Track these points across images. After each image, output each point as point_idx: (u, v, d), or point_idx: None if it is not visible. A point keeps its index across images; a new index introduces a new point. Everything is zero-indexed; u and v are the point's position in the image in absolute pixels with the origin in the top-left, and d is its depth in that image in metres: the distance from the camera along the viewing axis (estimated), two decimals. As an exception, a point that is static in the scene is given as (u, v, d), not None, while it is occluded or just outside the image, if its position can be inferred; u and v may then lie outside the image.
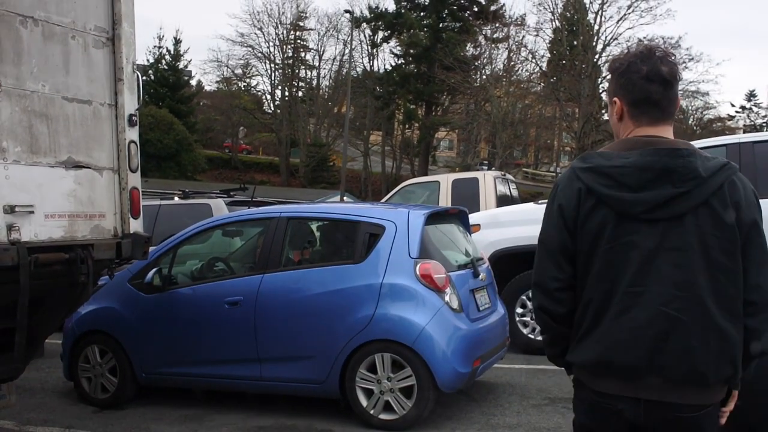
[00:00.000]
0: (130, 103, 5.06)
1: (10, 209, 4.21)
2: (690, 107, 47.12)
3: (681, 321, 2.19)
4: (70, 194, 4.65)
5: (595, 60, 35.36)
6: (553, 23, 38.59)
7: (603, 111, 37.55)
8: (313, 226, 6.65)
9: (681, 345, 2.19)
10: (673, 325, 2.20)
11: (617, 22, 35.16)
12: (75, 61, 4.72)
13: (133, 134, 5.08)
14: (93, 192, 4.82)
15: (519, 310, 8.35)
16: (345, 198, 24.37)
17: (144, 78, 5.25)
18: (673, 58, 2.42)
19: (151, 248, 5.75)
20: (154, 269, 6.37)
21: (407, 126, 49.51)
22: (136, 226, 5.11)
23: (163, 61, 48.82)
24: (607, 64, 34.42)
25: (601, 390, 2.30)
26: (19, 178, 4.29)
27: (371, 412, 5.64)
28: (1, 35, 4.22)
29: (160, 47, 48.84)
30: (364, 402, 5.66)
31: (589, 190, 2.27)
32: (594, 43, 35.87)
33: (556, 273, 2.36)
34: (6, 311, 4.31)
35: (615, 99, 2.40)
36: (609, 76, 2.48)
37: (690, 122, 49.25)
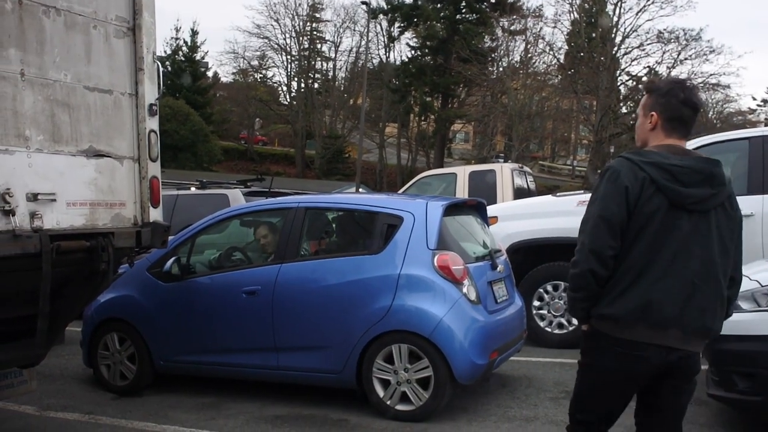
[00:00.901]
0: (150, 93, 5.08)
1: (33, 197, 4.24)
2: (710, 100, 46.64)
3: (702, 289, 2.93)
4: (92, 183, 4.68)
5: (613, 52, 35.03)
6: (571, 15, 38.31)
7: (621, 104, 37.31)
8: (331, 217, 6.67)
9: (699, 306, 2.93)
10: (696, 291, 2.92)
11: (636, 14, 34.78)
12: (96, 51, 4.73)
13: (153, 124, 5.10)
14: (114, 181, 4.85)
15: (536, 303, 8.33)
16: (360, 190, 24.37)
17: (162, 70, 5.27)
18: (697, 96, 3.13)
19: (170, 237, 5.78)
20: (173, 258, 6.42)
21: (423, 118, 49.39)
22: (155, 215, 5.13)
23: (180, 53, 48.95)
24: (644, 80, 34.26)
25: (633, 338, 2.93)
26: (42, 166, 4.32)
27: (388, 402, 5.66)
28: (24, 25, 4.24)
29: (177, 39, 49.03)
30: (380, 392, 5.68)
31: (652, 180, 2.91)
32: (613, 35, 35.52)
33: (613, 243, 2.93)
34: (28, 298, 4.35)
35: (653, 113, 3.09)
36: (646, 94, 3.17)
37: (710, 115, 48.75)
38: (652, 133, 3.10)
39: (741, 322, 4.99)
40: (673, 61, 34.14)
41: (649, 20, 46.36)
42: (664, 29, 35.00)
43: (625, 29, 35.37)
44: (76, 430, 5.62)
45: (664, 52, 34.37)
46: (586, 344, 3.15)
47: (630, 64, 36.46)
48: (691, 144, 7.99)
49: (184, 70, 47.29)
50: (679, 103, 3.04)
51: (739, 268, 3.13)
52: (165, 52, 47.97)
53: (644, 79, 36.86)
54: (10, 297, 4.42)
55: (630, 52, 35.56)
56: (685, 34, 33.84)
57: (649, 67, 36.58)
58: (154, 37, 5.14)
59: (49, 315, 4.45)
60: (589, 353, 3.13)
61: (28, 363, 4.89)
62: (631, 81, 37.84)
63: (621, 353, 2.97)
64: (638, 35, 34.91)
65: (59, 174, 4.44)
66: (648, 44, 34.66)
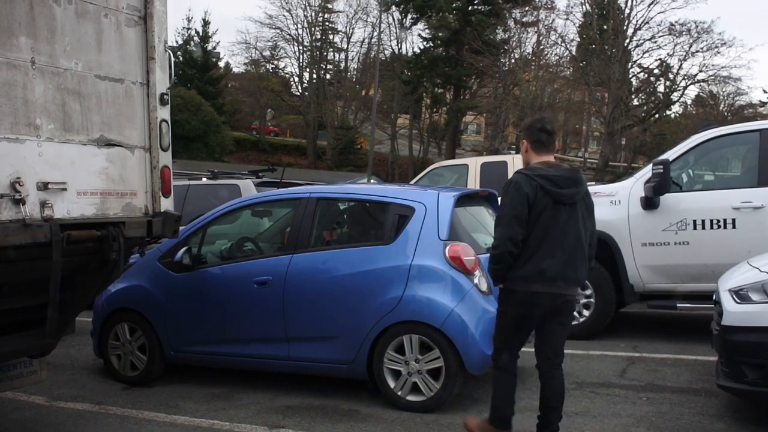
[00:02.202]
0: (161, 82, 5.06)
1: (44, 186, 4.23)
2: (721, 93, 46.29)
3: (575, 255, 4.45)
4: (102, 172, 4.67)
5: (625, 44, 34.80)
6: (584, 7, 38.06)
7: (632, 96, 37.09)
8: (343, 207, 6.64)
9: (573, 266, 4.43)
10: (571, 256, 4.42)
11: (648, 6, 34.51)
12: (107, 40, 4.72)
13: (164, 113, 5.08)
14: (124, 170, 4.83)
15: (547, 295, 8.31)
16: (372, 180, 24.33)
17: (174, 60, 5.25)
18: (550, 123, 4.70)
19: (181, 228, 5.77)
20: (184, 248, 6.41)
21: (435, 110, 49.27)
22: (166, 204, 5.12)
23: (192, 43, 48.95)
24: (655, 72, 33.90)
25: (534, 290, 4.40)
26: (52, 155, 4.31)
27: (399, 393, 5.64)
28: (35, 13, 4.23)
29: (189, 29, 49.03)
30: (391, 383, 5.67)
31: (541, 186, 4.36)
32: (625, 27, 35.28)
33: (521, 231, 4.35)
34: (38, 287, 4.35)
35: (524, 141, 4.65)
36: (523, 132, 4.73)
37: (721, 108, 48.39)
38: (528, 155, 4.64)
39: (751, 313, 4.97)
40: (684, 53, 33.93)
41: (660, 12, 46.09)
42: (676, 21, 34.75)
43: (637, 21, 35.16)
44: (86, 421, 5.63)
45: (675, 45, 34.20)
46: (502, 297, 4.60)
47: (642, 57, 36.29)
48: (701, 136, 7.96)
49: (195, 60, 47.25)
50: (537, 131, 4.57)
51: (593, 236, 4.64)
52: (177, 42, 48.03)
53: (655, 71, 36.77)
54: (21, 286, 4.43)
55: (642, 44, 35.41)
56: (697, 26, 33.65)
57: (660, 59, 36.41)
58: (166, 26, 5.12)
59: (59, 304, 4.45)
60: (505, 303, 4.59)
61: (38, 353, 4.90)
62: (642, 73, 37.64)
63: (525, 301, 4.44)
64: (650, 27, 34.76)
65: (70, 163, 4.43)
66: (660, 36, 34.48)
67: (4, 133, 4.02)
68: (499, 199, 4.59)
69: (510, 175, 13.25)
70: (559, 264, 4.37)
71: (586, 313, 8.17)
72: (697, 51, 33.64)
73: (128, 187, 4.87)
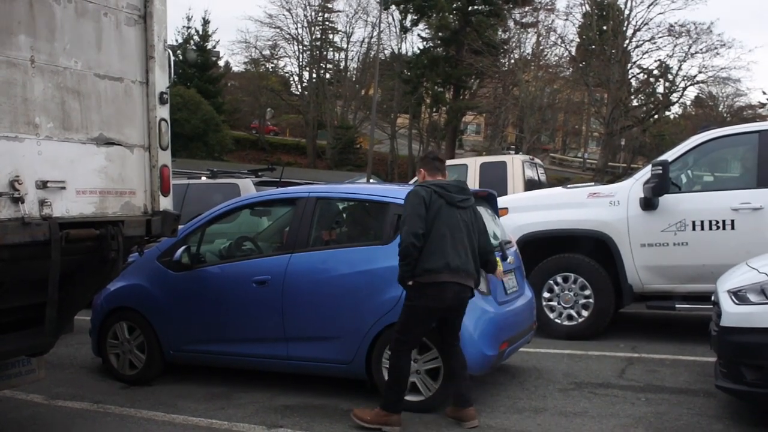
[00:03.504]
0: (161, 81, 5.05)
1: (43, 185, 4.22)
2: (720, 94, 46.24)
3: (467, 250, 5.18)
4: (101, 171, 4.66)
5: (625, 45, 34.78)
6: (583, 7, 38.01)
7: (632, 97, 37.06)
8: (342, 207, 6.64)
9: (468, 260, 5.16)
10: (466, 251, 5.17)
11: (648, 7, 34.46)
12: (107, 38, 4.71)
13: (163, 112, 5.08)
14: (124, 169, 4.83)
15: (546, 295, 8.31)
16: (371, 180, 24.32)
17: (174, 59, 5.24)
18: (441, 154, 6.09)
19: (180, 227, 5.77)
20: (183, 247, 6.42)
21: (435, 109, 49.27)
22: (165, 203, 5.11)
23: (192, 42, 48.91)
24: (654, 72, 33.67)
25: (442, 280, 5.03)
26: (52, 153, 4.30)
27: (397, 393, 5.63)
28: (35, 11, 4.22)
29: (188, 28, 48.97)
30: (390, 383, 5.66)
31: (435, 191, 5.16)
32: (624, 28, 35.27)
33: (422, 225, 5.04)
34: (37, 286, 4.34)
35: (421, 170, 5.52)
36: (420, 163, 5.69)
37: (720, 109, 48.37)
38: (425, 179, 5.42)
39: (750, 314, 4.97)
40: (683, 54, 33.90)
41: (660, 13, 46.11)
42: (675, 22, 34.62)
43: (636, 22, 35.12)
44: (84, 419, 5.63)
45: (675, 46, 34.13)
46: (412, 293, 5.12)
47: (641, 58, 36.20)
48: (700, 137, 7.97)
49: (195, 59, 47.19)
50: (431, 160, 5.52)
51: (485, 244, 5.40)
52: (176, 41, 47.96)
53: (655, 72, 36.74)
54: (19, 285, 4.42)
55: (641, 45, 35.32)
56: (696, 27, 33.57)
57: (660, 60, 36.37)
58: (165, 25, 5.12)
59: (57, 303, 4.44)
60: (414, 298, 5.11)
61: (37, 351, 4.89)
62: (642, 74, 37.61)
63: (434, 293, 5.04)
64: (649, 28, 34.65)
65: (69, 162, 4.42)
66: (659, 37, 34.41)
67: (3, 132, 4.01)
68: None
69: (509, 175, 13.37)
70: (460, 257, 5.09)
71: (584, 313, 8.17)
72: (697, 52, 33.60)
73: (127, 186, 4.87)
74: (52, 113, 4.32)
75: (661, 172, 7.58)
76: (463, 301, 5.21)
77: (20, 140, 4.12)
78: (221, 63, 54.77)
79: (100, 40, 4.66)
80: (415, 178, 14.78)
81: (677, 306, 7.75)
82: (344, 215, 6.62)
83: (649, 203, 7.77)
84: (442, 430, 5.25)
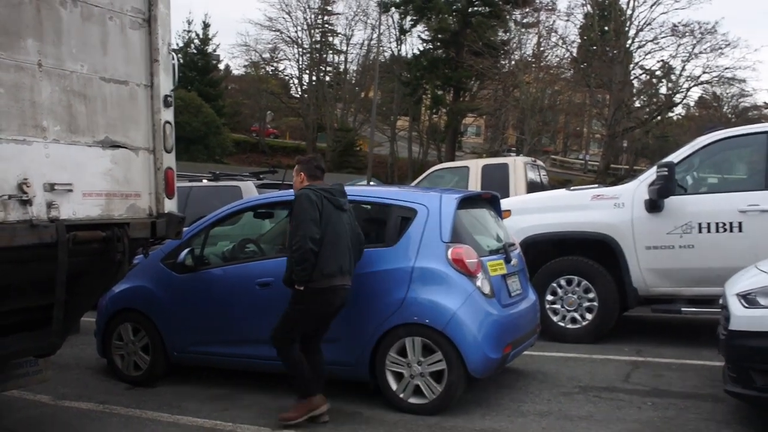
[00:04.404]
0: (165, 84, 5.08)
1: (50, 187, 4.25)
2: (725, 95, 46.06)
3: (350, 251, 5.39)
4: (107, 173, 4.68)
5: (627, 45, 34.71)
6: (585, 8, 37.97)
7: (634, 98, 37.00)
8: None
9: (352, 262, 5.42)
10: (349, 253, 5.37)
11: (651, 7, 34.35)
12: (112, 42, 4.73)
13: (168, 115, 5.10)
14: (129, 171, 4.85)
15: (549, 298, 8.29)
16: (371, 183, 24.34)
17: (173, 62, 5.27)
18: (323, 161, 6.01)
19: (184, 229, 5.78)
20: (187, 249, 6.44)
21: (434, 111, 49.26)
22: (170, 206, 5.14)
23: (192, 45, 48.95)
24: (657, 74, 33.48)
25: (334, 284, 5.25)
26: (59, 156, 4.32)
27: (401, 395, 5.65)
28: (42, 16, 4.24)
29: (189, 31, 49.01)
30: (393, 385, 5.68)
31: (323, 196, 5.30)
32: (626, 28, 35.21)
33: (317, 230, 5.17)
34: (44, 287, 4.37)
35: (301, 173, 5.61)
36: (297, 165, 5.75)
37: (725, 110, 48.24)
38: (303, 183, 5.55)
39: (760, 318, 4.95)
40: (687, 54, 33.78)
41: (663, 13, 45.78)
42: (679, 22, 34.44)
43: (639, 22, 35.04)
44: (90, 420, 5.65)
45: (678, 46, 33.98)
46: (302, 296, 5.22)
47: (644, 58, 36.05)
48: (706, 138, 7.96)
49: (196, 63, 47.22)
50: (314, 168, 5.64)
51: (358, 239, 5.60)
52: (177, 44, 47.91)
53: (658, 73, 36.67)
54: (27, 286, 4.45)
55: (644, 45, 35.20)
56: (700, 27, 33.42)
57: (662, 60, 36.27)
58: (169, 28, 5.15)
59: (64, 305, 4.47)
60: (305, 302, 5.25)
61: (44, 352, 4.91)
62: (644, 75, 37.54)
63: (328, 297, 5.27)
64: (652, 28, 34.48)
65: (76, 164, 4.45)
66: (662, 37, 34.27)
67: (11, 135, 4.04)
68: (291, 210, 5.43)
69: (511, 177, 13.36)
70: (348, 259, 5.36)
71: (588, 316, 8.15)
72: (701, 52, 33.37)
73: (133, 189, 4.89)
74: (59, 116, 4.35)
75: (666, 173, 7.55)
76: (346, 301, 5.43)
77: (28, 143, 4.14)
78: (221, 66, 54.87)
79: (105, 44, 4.68)
80: (420, 179, 14.86)
81: (683, 309, 7.72)
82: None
83: (654, 205, 7.74)
84: (447, 432, 5.26)
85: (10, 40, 4.05)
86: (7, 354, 4.62)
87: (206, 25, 49.15)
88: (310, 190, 5.30)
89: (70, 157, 4.40)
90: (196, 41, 49.07)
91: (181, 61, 45.06)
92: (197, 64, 47.61)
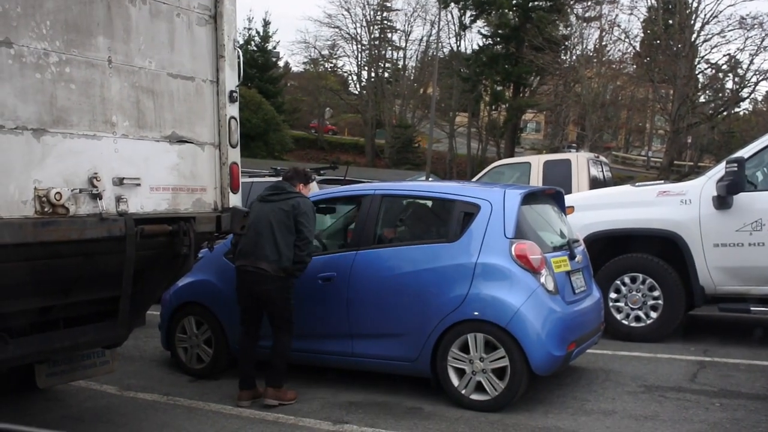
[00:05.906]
0: (230, 80, 5.13)
1: (119, 181, 4.33)
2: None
3: (264, 239, 5.74)
4: (174, 168, 4.75)
5: (692, 39, 33.83)
6: (648, 1, 37.10)
7: (699, 93, 36.05)
8: (407, 204, 6.63)
9: (263, 247, 5.72)
10: (265, 241, 5.73)
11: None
12: (179, 39, 4.80)
13: (233, 110, 5.15)
14: (195, 166, 4.91)
15: (613, 295, 8.15)
16: (430, 179, 24.28)
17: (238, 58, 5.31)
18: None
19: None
20: (250, 244, 6.48)
21: (494, 107, 48.85)
22: (234, 200, 5.19)
23: (252, 43, 49.56)
24: (724, 68, 32.71)
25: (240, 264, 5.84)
26: (127, 151, 4.40)
27: (463, 392, 5.62)
28: (112, 13, 4.32)
29: (249, 29, 49.63)
30: (455, 382, 5.64)
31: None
32: (692, 22, 34.31)
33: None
34: (112, 280, 4.45)
35: (300, 184, 6.17)
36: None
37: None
38: (304, 191, 6.15)
39: None
40: (755, 47, 32.71)
41: (731, 5, 44.62)
42: (747, 14, 33.52)
43: (705, 15, 34.10)
44: (155, 410, 5.75)
45: (746, 39, 32.89)
46: (290, 285, 5.84)
47: (709, 52, 35.11)
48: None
49: (256, 60, 47.78)
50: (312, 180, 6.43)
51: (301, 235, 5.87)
52: (238, 42, 48.51)
53: (724, 67, 35.65)
54: (96, 279, 4.54)
55: (710, 39, 34.23)
56: (769, 19, 32.33)
57: (729, 54, 35.24)
58: (235, 24, 5.19)
59: (131, 297, 4.56)
60: (291, 290, 5.88)
61: (111, 344, 5.03)
62: (710, 69, 36.55)
63: (239, 274, 5.93)
64: (719, 21, 33.59)
65: (143, 159, 4.52)
66: (729, 30, 33.24)
67: (83, 130, 4.13)
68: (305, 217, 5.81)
69: (573, 173, 13.12)
70: (258, 245, 5.80)
71: (653, 315, 7.99)
72: (770, 45, 32.37)
73: (198, 183, 4.95)
74: (128, 112, 4.42)
75: (736, 169, 7.34)
76: (258, 276, 5.89)
77: (98, 138, 4.23)
78: (281, 63, 55.40)
79: (172, 41, 4.75)
80: (480, 175, 14.76)
81: (752, 309, 7.51)
82: (409, 213, 6.61)
83: (723, 202, 7.54)
84: (509, 430, 5.20)
85: (81, 38, 4.13)
86: (76, 344, 4.72)
87: (266, 23, 49.72)
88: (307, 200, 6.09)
89: (138, 152, 4.48)
90: (257, 39, 49.65)
91: (242, 58, 45.81)
92: (257, 62, 48.16)
